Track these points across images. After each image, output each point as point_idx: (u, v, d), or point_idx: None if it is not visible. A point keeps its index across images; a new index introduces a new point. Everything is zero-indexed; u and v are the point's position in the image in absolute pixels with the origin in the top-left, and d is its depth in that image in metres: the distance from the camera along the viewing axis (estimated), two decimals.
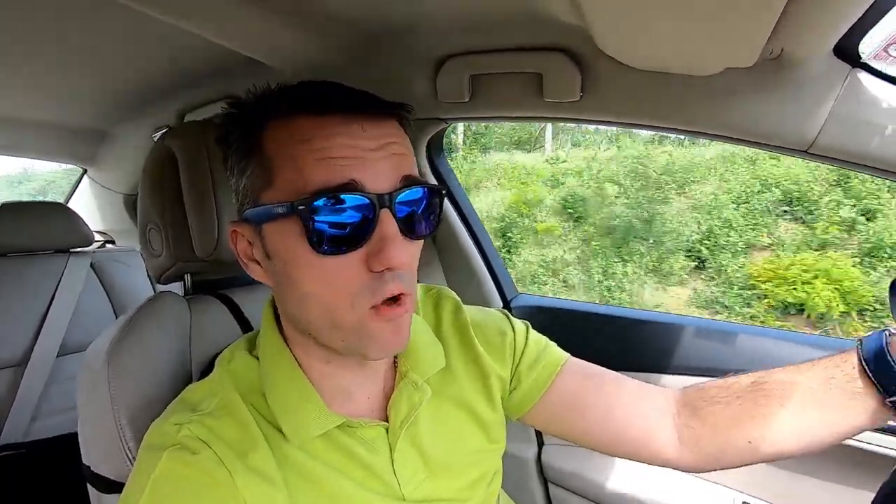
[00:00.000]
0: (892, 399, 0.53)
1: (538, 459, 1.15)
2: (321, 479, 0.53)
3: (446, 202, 1.17)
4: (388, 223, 0.47)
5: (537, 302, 1.27)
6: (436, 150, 1.17)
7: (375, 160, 0.48)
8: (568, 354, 0.70)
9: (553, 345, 0.71)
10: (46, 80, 1.28)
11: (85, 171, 1.95)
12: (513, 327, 0.70)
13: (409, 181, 0.50)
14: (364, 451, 0.55)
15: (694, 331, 1.04)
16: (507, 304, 1.25)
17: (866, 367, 0.54)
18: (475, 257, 1.20)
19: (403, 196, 0.49)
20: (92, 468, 0.68)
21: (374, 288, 0.48)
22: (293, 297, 0.52)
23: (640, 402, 0.66)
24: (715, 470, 0.64)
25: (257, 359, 0.58)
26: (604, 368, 0.69)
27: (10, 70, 1.19)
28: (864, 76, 0.65)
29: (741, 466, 0.63)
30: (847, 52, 0.64)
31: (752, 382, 0.61)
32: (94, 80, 1.30)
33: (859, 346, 0.56)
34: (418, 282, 0.59)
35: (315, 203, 0.46)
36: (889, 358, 0.53)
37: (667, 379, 1.02)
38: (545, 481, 1.16)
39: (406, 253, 0.49)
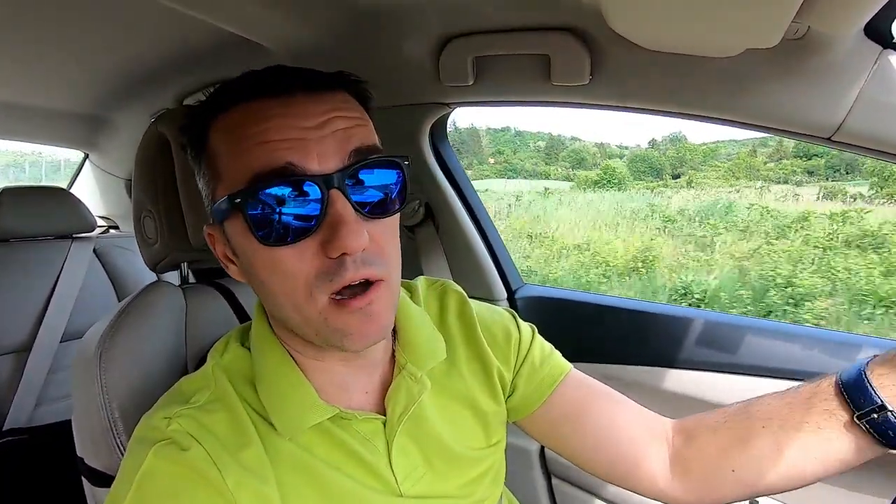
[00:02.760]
0: (861, 414, 0.51)
1: (542, 453, 1.14)
2: (315, 475, 0.51)
3: (450, 190, 1.14)
4: (338, 204, 0.44)
5: (542, 293, 1.24)
6: (439, 136, 1.14)
7: (318, 139, 0.45)
8: (571, 365, 0.68)
9: (557, 353, 0.69)
10: (46, 65, 1.27)
11: (87, 156, 1.94)
12: (519, 329, 0.68)
13: (360, 154, 0.46)
14: (359, 446, 0.54)
15: (703, 323, 1.01)
16: (511, 295, 1.22)
17: (841, 386, 0.54)
18: (480, 247, 1.18)
19: (356, 173, 0.46)
20: (85, 460, 0.68)
21: (332, 274, 0.45)
22: (263, 293, 0.51)
23: (638, 427, 0.64)
24: None
25: (250, 350, 0.57)
26: (605, 386, 0.67)
27: (11, 55, 1.19)
28: None
29: (722, 502, 0.61)
30: (878, 32, 0.60)
31: (741, 408, 0.60)
32: (93, 64, 1.29)
33: (839, 372, 0.55)
34: (422, 273, 0.56)
35: (252, 192, 0.43)
36: (864, 377, 0.52)
37: (676, 373, 1.00)
38: (549, 475, 1.14)
39: (363, 236, 0.45)
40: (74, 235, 1.67)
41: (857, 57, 0.62)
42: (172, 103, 1.39)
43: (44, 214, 1.59)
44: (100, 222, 1.93)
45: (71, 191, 1.88)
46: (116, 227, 2.08)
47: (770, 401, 0.58)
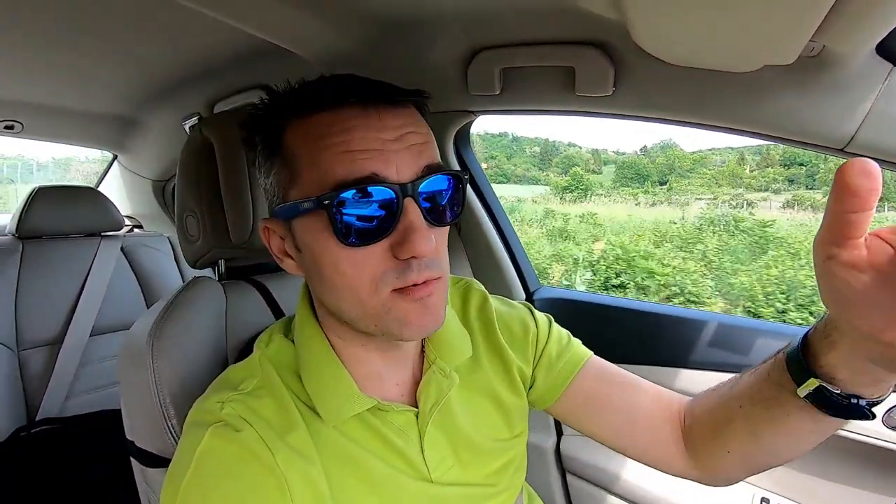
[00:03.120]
0: (801, 389, 0.49)
1: (557, 450, 1.16)
2: (355, 460, 0.54)
3: (471, 193, 1.18)
4: (411, 212, 0.48)
5: (560, 294, 1.27)
6: (462, 142, 1.17)
7: (396, 151, 0.49)
8: (590, 352, 0.71)
9: (576, 341, 0.72)
10: (81, 68, 1.31)
11: (116, 157, 1.99)
12: (536, 322, 0.71)
13: (430, 169, 0.50)
14: (394, 436, 0.57)
15: (717, 326, 1.04)
16: (529, 296, 1.25)
17: (785, 359, 0.52)
18: (499, 248, 1.21)
19: (426, 184, 0.50)
20: (136, 443, 0.71)
21: (399, 273, 0.50)
22: (324, 287, 0.53)
23: (657, 409, 0.66)
24: (720, 484, 0.64)
25: (293, 342, 0.60)
26: (623, 370, 0.70)
27: (46, 59, 1.23)
28: None
29: (734, 480, 0.62)
30: (890, 51, 0.63)
31: (730, 386, 0.61)
32: (125, 68, 1.34)
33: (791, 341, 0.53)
34: None
35: (338, 196, 0.47)
36: (799, 346, 0.50)
37: (689, 374, 1.02)
38: (564, 472, 1.17)
39: (431, 241, 0.49)
40: (103, 234, 1.72)
41: (869, 74, 0.65)
42: (203, 108, 1.44)
43: (74, 213, 1.64)
44: (125, 222, 1.99)
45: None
46: (140, 227, 2.14)
47: (746, 378, 0.58)
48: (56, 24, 1.03)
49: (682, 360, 1.04)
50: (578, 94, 0.84)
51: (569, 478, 1.16)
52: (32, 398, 1.49)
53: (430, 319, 0.52)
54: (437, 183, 0.52)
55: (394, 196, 0.48)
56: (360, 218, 0.48)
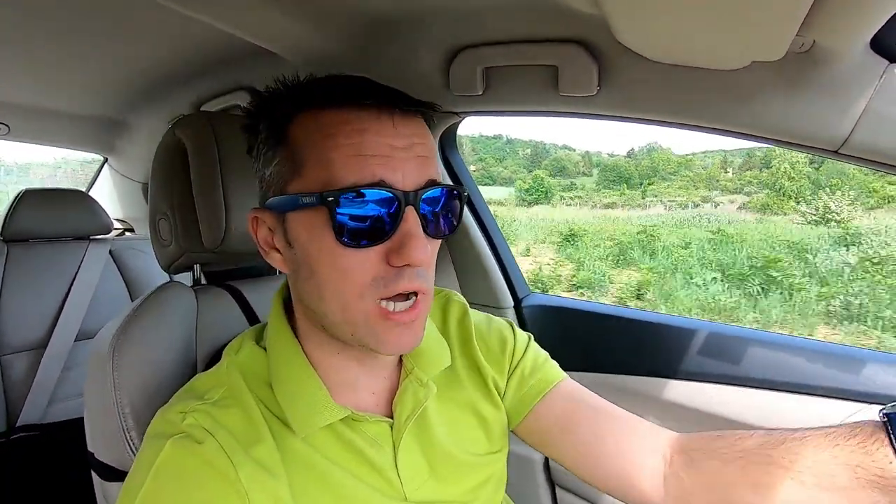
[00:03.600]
0: None
1: (546, 463, 1.13)
2: (324, 474, 0.52)
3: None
4: (411, 220, 0.48)
5: (549, 301, 1.24)
6: (448, 145, 1.15)
7: (404, 160, 0.48)
8: (565, 375, 0.68)
9: (552, 363, 0.70)
10: (66, 69, 1.30)
11: (106, 160, 1.98)
12: (515, 337, 0.69)
13: (433, 182, 0.50)
14: (367, 447, 0.55)
15: (708, 335, 1.01)
16: (518, 303, 1.23)
17: (891, 430, 0.45)
18: (487, 255, 1.18)
19: (427, 195, 0.50)
20: (95, 455, 0.69)
21: (388, 281, 0.49)
22: (310, 286, 0.52)
23: (629, 440, 0.62)
24: None
25: (265, 350, 0.58)
26: (599, 397, 0.66)
27: (31, 59, 1.22)
28: None
29: None
30: (885, 46, 0.60)
31: (760, 444, 0.54)
32: (111, 69, 1.33)
33: (889, 426, 0.46)
34: None
35: (344, 197, 0.46)
36: None
37: (677, 384, 0.99)
38: (553, 485, 1.14)
39: (426, 250, 0.49)
40: (91, 237, 1.71)
41: (863, 71, 0.62)
42: (189, 109, 1.42)
43: (62, 216, 1.63)
44: (116, 225, 1.97)
45: (89, 193, 1.92)
46: (132, 230, 2.12)
47: (800, 449, 0.50)
48: (42, 23, 1.02)
49: (672, 369, 1.01)
50: (562, 93, 0.81)
51: (558, 491, 1.13)
52: (13, 404, 1.47)
53: (409, 340, 0.52)
54: (438, 196, 0.52)
55: (397, 202, 0.48)
56: (360, 220, 0.47)
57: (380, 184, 0.47)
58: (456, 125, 1.09)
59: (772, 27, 0.51)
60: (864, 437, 0.47)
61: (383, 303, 0.49)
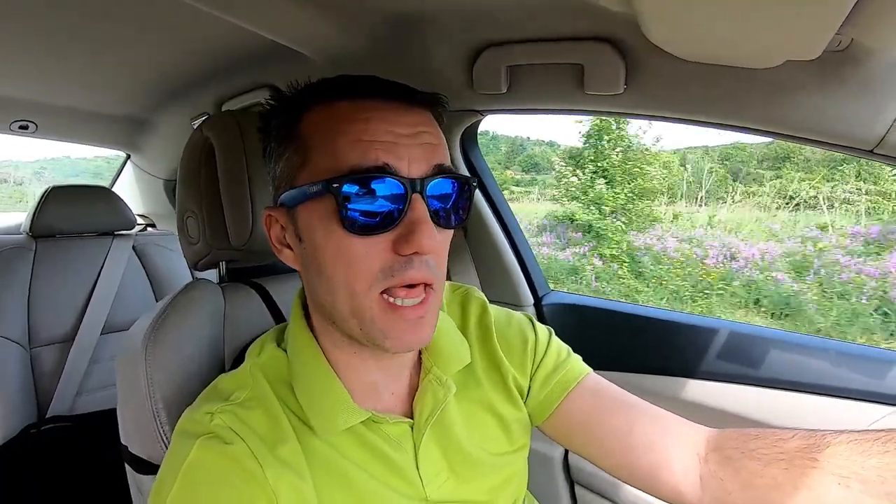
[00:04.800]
0: None
1: (565, 459, 1.13)
2: (346, 475, 0.53)
3: (479, 196, 1.15)
4: (418, 208, 0.48)
5: (569, 300, 1.24)
6: (470, 143, 1.15)
7: (409, 146, 0.48)
8: (589, 369, 0.68)
9: (575, 357, 0.69)
10: (94, 69, 1.32)
11: (129, 157, 2.02)
12: (535, 333, 0.68)
13: (440, 170, 0.50)
14: (388, 448, 0.55)
15: (730, 335, 0.99)
16: (538, 301, 1.22)
17: None
18: (507, 253, 1.18)
19: (434, 184, 0.50)
20: (129, 448, 0.71)
21: (396, 269, 0.48)
22: (319, 281, 0.52)
23: (660, 433, 0.61)
24: None
25: (285, 351, 0.58)
26: (625, 391, 0.65)
27: (61, 60, 1.24)
28: None
29: None
30: None
31: (805, 446, 0.53)
32: (136, 68, 1.34)
33: None
34: (449, 278, 0.57)
35: (347, 182, 0.46)
36: None
37: (698, 384, 0.99)
38: (572, 482, 1.14)
39: (435, 238, 0.49)
40: (115, 233, 1.74)
41: None
42: (212, 107, 1.44)
43: (88, 212, 1.66)
44: (138, 221, 2.01)
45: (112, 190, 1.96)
46: (153, 226, 2.16)
47: (847, 454, 0.50)
48: (68, 24, 1.04)
49: (693, 369, 1.00)
50: (588, 92, 0.80)
51: (577, 489, 1.13)
52: (43, 395, 1.51)
53: (415, 336, 0.51)
54: (446, 185, 0.51)
55: (403, 189, 0.47)
56: (366, 206, 0.47)
57: (383, 168, 0.47)
58: (477, 123, 1.09)
59: (811, 26, 0.50)
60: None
61: (390, 298, 0.49)
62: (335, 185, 0.47)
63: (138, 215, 2.00)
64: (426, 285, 0.50)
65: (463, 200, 0.54)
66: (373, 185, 0.47)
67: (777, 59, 0.61)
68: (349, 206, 0.47)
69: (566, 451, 1.14)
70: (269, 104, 0.55)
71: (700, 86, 0.74)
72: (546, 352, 0.67)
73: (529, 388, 0.66)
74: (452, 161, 1.11)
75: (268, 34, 0.95)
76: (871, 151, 0.66)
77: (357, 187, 0.47)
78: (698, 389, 0.98)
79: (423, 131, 0.50)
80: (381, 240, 0.48)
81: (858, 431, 0.51)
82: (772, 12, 0.49)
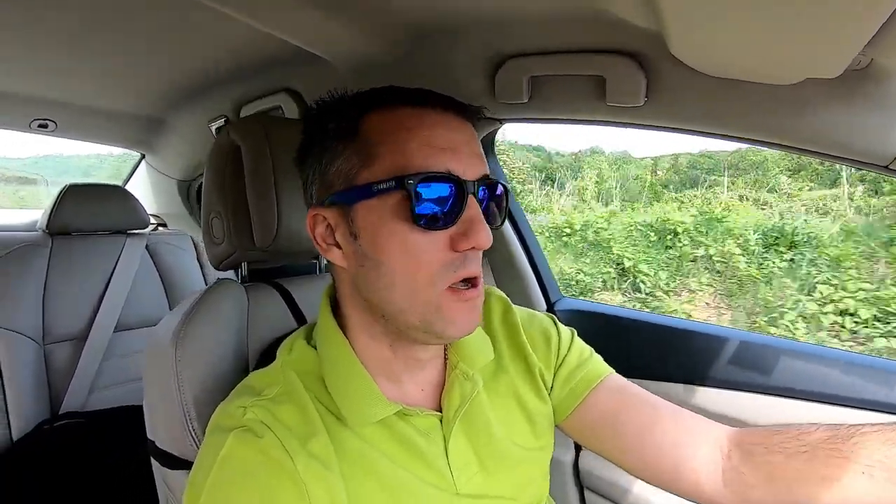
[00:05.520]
0: None
1: (576, 464, 1.14)
2: (377, 466, 0.54)
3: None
4: (474, 207, 0.52)
5: (581, 306, 1.25)
6: (488, 150, 1.17)
7: (467, 154, 0.53)
8: (611, 369, 0.69)
9: (597, 357, 0.71)
10: (112, 69, 1.34)
11: (143, 157, 2.03)
12: (559, 332, 0.70)
13: (487, 177, 0.55)
14: (420, 439, 0.57)
15: (742, 344, 1.01)
16: (550, 307, 1.24)
17: None
18: (521, 258, 1.19)
19: (483, 188, 0.55)
20: (157, 444, 0.72)
21: (457, 266, 0.52)
22: (375, 276, 0.54)
23: (682, 431, 0.62)
24: None
25: (315, 348, 0.60)
26: (645, 391, 0.67)
27: (79, 60, 1.25)
28: None
29: None
30: None
31: (827, 438, 0.54)
32: (154, 69, 1.35)
33: None
34: None
35: (421, 181, 0.50)
36: None
37: (709, 392, 1.00)
38: (582, 488, 1.15)
39: (490, 234, 0.53)
40: (129, 231, 1.76)
41: None
42: (230, 110, 1.45)
43: (103, 211, 1.67)
44: (151, 220, 2.02)
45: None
46: (164, 225, 2.18)
47: (868, 441, 0.51)
48: (90, 23, 1.05)
49: (706, 377, 1.01)
50: (609, 103, 0.82)
51: (587, 494, 1.14)
52: (56, 392, 1.52)
53: (473, 321, 0.55)
54: (493, 189, 0.57)
55: (463, 192, 0.52)
56: (434, 204, 0.51)
57: (447, 173, 0.51)
58: (495, 131, 1.10)
59: (835, 46, 0.51)
60: None
61: (452, 286, 0.53)
62: (410, 182, 0.50)
63: (150, 215, 2.01)
64: (476, 281, 0.55)
65: (503, 204, 0.59)
66: (438, 186, 0.51)
67: (798, 76, 0.63)
68: (419, 202, 0.50)
69: (577, 456, 1.15)
70: (320, 105, 0.58)
71: (719, 100, 0.75)
72: (569, 350, 0.69)
73: (553, 384, 0.68)
74: None
75: (290, 39, 0.96)
76: (887, 167, 0.68)
77: (426, 186, 0.50)
78: (709, 397, 0.99)
79: (473, 142, 0.55)
80: (442, 237, 0.52)
81: (882, 424, 0.53)
82: (798, 31, 0.51)
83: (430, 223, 0.51)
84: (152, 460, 0.73)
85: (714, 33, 0.57)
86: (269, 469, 0.48)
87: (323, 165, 0.56)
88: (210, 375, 0.69)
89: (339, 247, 0.56)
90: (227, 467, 0.48)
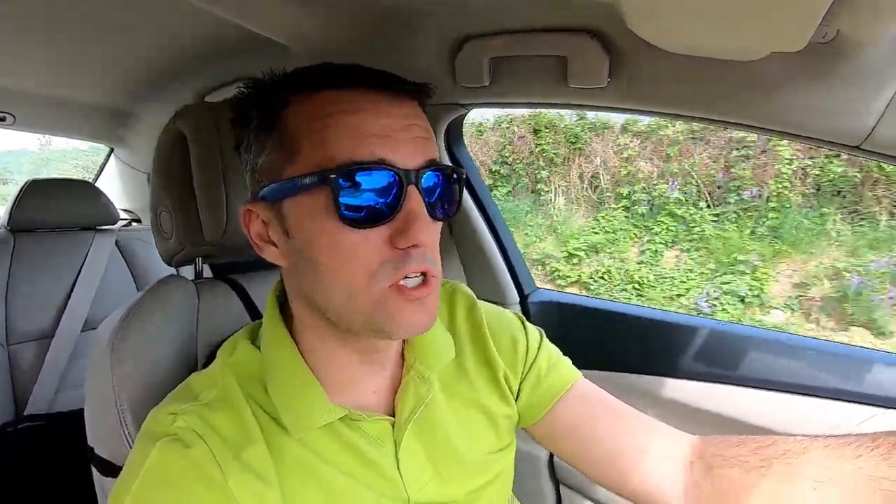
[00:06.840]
0: None
1: (550, 460, 1.12)
2: (320, 476, 0.51)
3: (465, 193, 1.13)
4: (414, 200, 0.47)
5: (556, 298, 1.23)
6: (454, 137, 1.13)
7: (403, 140, 0.47)
8: (579, 374, 0.66)
9: (565, 361, 0.68)
10: (71, 56, 1.29)
11: (112, 150, 1.98)
12: (527, 336, 0.67)
13: (432, 163, 0.49)
14: (368, 447, 0.54)
15: (717, 334, 0.99)
16: (524, 299, 1.21)
17: None
18: (493, 250, 1.17)
19: (427, 177, 0.49)
20: (95, 450, 0.69)
21: (397, 264, 0.47)
22: (312, 276, 0.50)
23: (650, 442, 0.60)
24: None
25: (259, 349, 0.56)
26: (613, 397, 0.65)
27: (36, 46, 1.20)
28: None
29: None
30: None
31: (783, 453, 0.52)
32: (116, 57, 1.31)
33: None
34: None
35: (344, 174, 0.45)
36: None
37: (686, 384, 0.98)
38: (557, 482, 1.13)
39: (431, 231, 0.48)
40: (97, 227, 1.71)
41: (888, 62, 0.59)
42: (194, 99, 1.41)
43: (68, 206, 1.63)
44: (123, 215, 1.98)
45: (96, 184, 1.92)
46: (139, 221, 2.13)
47: (820, 456, 0.50)
48: (45, 9, 1.01)
49: (682, 369, 0.99)
50: (571, 85, 0.79)
51: (562, 490, 1.12)
52: (22, 392, 1.48)
53: (424, 318, 0.50)
54: (439, 177, 0.51)
55: (399, 182, 0.46)
56: (363, 199, 0.46)
57: (379, 163, 0.46)
58: (461, 118, 1.07)
59: (793, 17, 0.48)
60: (889, 448, 0.47)
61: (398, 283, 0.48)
62: (332, 177, 0.45)
63: (123, 210, 1.96)
64: (427, 277, 0.50)
65: (454, 193, 0.53)
66: (369, 178, 0.46)
67: (762, 51, 0.60)
68: (345, 198, 0.45)
69: (552, 452, 1.13)
70: (244, 93, 0.52)
71: (686, 80, 0.72)
72: (537, 355, 0.66)
73: (520, 390, 0.65)
74: None
75: (249, 25, 0.93)
76: (859, 147, 0.65)
77: (353, 180, 0.45)
78: (683, 389, 0.98)
79: (414, 124, 0.49)
80: (377, 233, 0.47)
81: (835, 436, 0.51)
82: (754, 3, 0.47)
83: (360, 222, 0.46)
84: (92, 468, 0.70)
85: (671, 7, 0.54)
86: (196, 482, 0.45)
87: (253, 157, 0.52)
88: (151, 378, 0.66)
89: (275, 245, 0.52)
90: (151, 479, 0.45)
